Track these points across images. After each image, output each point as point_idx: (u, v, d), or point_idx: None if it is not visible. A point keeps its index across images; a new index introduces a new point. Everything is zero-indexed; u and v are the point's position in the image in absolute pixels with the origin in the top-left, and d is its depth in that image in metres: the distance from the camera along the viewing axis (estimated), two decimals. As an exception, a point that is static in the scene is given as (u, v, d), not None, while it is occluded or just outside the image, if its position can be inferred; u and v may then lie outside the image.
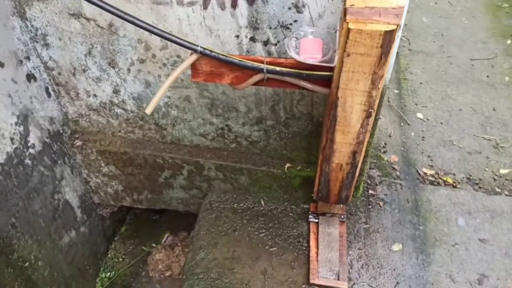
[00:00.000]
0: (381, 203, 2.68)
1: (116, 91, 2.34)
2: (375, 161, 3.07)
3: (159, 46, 2.08)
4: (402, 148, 3.20)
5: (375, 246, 2.44)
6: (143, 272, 3.41)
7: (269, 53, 2.02)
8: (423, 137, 3.29)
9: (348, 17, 1.49)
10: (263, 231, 2.47)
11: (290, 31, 1.92)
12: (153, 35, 2.01)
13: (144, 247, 3.60)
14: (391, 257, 2.39)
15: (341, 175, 2.07)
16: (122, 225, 3.67)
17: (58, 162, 2.47)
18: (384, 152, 3.16)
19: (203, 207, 2.60)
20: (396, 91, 3.73)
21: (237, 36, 1.98)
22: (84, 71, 2.27)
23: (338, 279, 2.21)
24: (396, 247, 2.44)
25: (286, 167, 2.47)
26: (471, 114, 3.49)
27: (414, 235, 2.51)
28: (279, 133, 2.37)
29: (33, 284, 2.27)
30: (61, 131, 2.48)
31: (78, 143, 2.54)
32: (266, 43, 1.98)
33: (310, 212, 2.48)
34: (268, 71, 1.77)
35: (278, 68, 1.77)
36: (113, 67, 2.23)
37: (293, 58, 1.71)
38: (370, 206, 2.65)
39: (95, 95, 2.38)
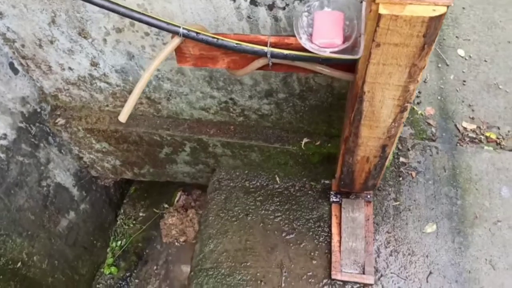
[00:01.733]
0: (414, 173, 2.40)
1: (94, 64, 2.03)
2: (407, 115, 2.73)
3: (137, 14, 1.71)
4: (439, 97, 2.83)
5: (405, 228, 2.23)
6: (157, 237, 3.35)
7: (276, 19, 1.64)
8: (464, 81, 2.89)
9: (378, -4, 1.10)
10: (279, 214, 2.28)
11: (301, -8, 1.52)
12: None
13: (156, 209, 3.49)
14: (423, 241, 2.19)
15: (368, 167, 1.79)
16: (131, 186, 3.54)
17: (40, 145, 2.26)
18: (418, 103, 2.80)
19: (211, 186, 2.40)
20: (434, 21, 3.23)
21: (234, 0, 1.59)
22: (51, 42, 1.95)
23: (364, 273, 2.05)
24: (430, 228, 2.22)
25: (303, 143, 2.18)
26: (521, 47, 3.03)
27: (451, 212, 2.27)
28: (293, 106, 2.06)
29: (31, 281, 2.20)
30: (38, 110, 2.23)
31: (61, 121, 2.29)
32: (271, 7, 1.60)
33: (331, 192, 2.24)
34: (273, 55, 1.43)
35: (285, 52, 1.42)
36: (85, 37, 1.89)
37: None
38: (400, 178, 2.39)
39: (70, 68, 2.08)
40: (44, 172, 2.30)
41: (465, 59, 3.02)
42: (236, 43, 1.42)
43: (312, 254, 2.15)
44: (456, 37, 3.14)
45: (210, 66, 1.55)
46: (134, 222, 3.38)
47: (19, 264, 2.15)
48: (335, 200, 2.23)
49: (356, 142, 1.63)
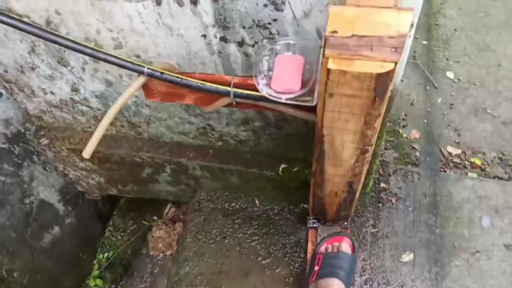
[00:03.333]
0: (394, 200, 2.42)
1: (74, 89, 2.07)
2: (392, 139, 2.74)
3: (112, 45, 1.75)
4: (425, 120, 2.83)
5: (382, 256, 2.24)
6: (144, 250, 3.39)
7: (247, 55, 1.66)
8: (452, 104, 2.89)
9: (328, 51, 1.13)
10: (256, 238, 2.30)
11: (269, 31, 1.54)
12: (101, 33, 1.70)
13: (145, 221, 3.54)
14: (399, 270, 2.20)
15: (337, 200, 1.81)
16: (121, 197, 3.58)
17: (24, 164, 2.31)
18: (404, 126, 2.81)
19: (191, 207, 2.44)
20: (425, 42, 3.24)
21: (204, 36, 1.62)
22: (32, 69, 1.99)
23: (336, 302, 2.06)
24: (407, 257, 2.23)
25: (280, 168, 2.20)
26: (511, 70, 3.01)
27: (429, 241, 2.27)
28: (270, 134, 2.08)
29: (10, 297, 2.25)
30: (22, 131, 2.28)
31: (45, 141, 2.34)
32: (241, 44, 1.62)
33: (308, 217, 2.26)
34: (236, 95, 1.46)
35: (247, 92, 1.44)
36: (65, 66, 1.93)
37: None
38: (380, 204, 2.40)
39: (52, 93, 2.12)
40: (27, 190, 2.35)
41: (454, 81, 3.01)
42: (200, 83, 1.45)
43: (286, 280, 2.17)
44: (446, 59, 3.14)
45: (178, 101, 1.59)
46: (122, 234, 3.43)
47: (-3, 280, 2.21)
48: (312, 225, 2.25)
49: (323, 177, 1.65)
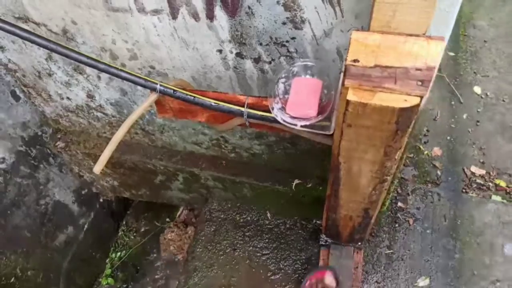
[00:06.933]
0: (411, 220, 2.29)
1: (90, 96, 2.02)
2: (412, 155, 2.61)
3: (127, 56, 1.69)
4: (448, 137, 2.68)
5: (396, 279, 2.13)
6: (156, 251, 3.34)
7: (263, 71, 1.58)
8: (478, 121, 2.72)
9: (348, 81, 1.03)
10: (267, 252, 2.22)
11: (287, 49, 1.45)
12: (117, 44, 1.64)
13: (158, 222, 3.49)
14: (414, 296, 2.08)
15: (351, 224, 1.71)
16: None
17: (40, 166, 2.28)
18: (425, 142, 2.67)
19: (202, 216, 2.37)
20: (452, 54, 3.07)
21: (220, 51, 1.54)
22: (50, 75, 1.95)
23: (346, 325, 1.96)
24: (422, 282, 2.11)
25: (294, 184, 2.11)
26: (542, 87, 2.83)
27: (447, 266, 2.15)
28: (284, 149, 1.99)
29: (23, 294, 2.23)
30: (39, 133, 2.25)
31: (61, 144, 2.30)
32: (257, 60, 1.53)
33: (321, 235, 2.16)
34: (250, 116, 1.37)
35: (261, 113, 1.35)
36: (81, 73, 1.88)
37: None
38: (397, 225, 2.28)
39: (68, 98, 2.08)
40: (43, 191, 2.33)
41: (481, 97, 2.85)
42: (214, 103, 1.37)
43: (296, 298, 2.09)
44: (474, 72, 2.97)
45: (190, 119, 1.51)
46: (135, 234, 3.40)
47: (12, 279, 2.19)
48: (324, 243, 2.15)
49: (337, 202, 1.56)
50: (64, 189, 2.50)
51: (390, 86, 1.01)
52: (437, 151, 2.62)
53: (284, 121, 1.22)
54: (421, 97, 1.00)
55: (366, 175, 1.34)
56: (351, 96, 1.03)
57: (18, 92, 2.07)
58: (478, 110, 2.79)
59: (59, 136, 2.31)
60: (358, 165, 1.29)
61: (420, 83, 0.99)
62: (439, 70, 3.01)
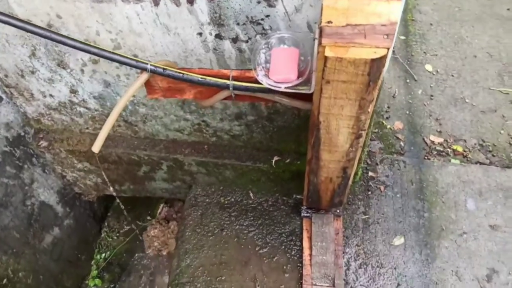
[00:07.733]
0: (382, 187, 2.49)
1: (73, 91, 2.08)
2: (376, 130, 2.82)
3: (110, 46, 1.78)
4: (407, 112, 2.91)
5: (374, 241, 2.30)
6: (140, 249, 3.39)
7: (241, 51, 1.71)
8: (432, 96, 2.98)
9: (324, 40, 1.18)
10: (253, 229, 2.34)
11: (262, 27, 1.59)
12: (101, 35, 1.73)
13: (139, 221, 3.54)
14: (391, 254, 2.26)
15: (332, 186, 1.87)
16: (115, 199, 3.58)
17: (24, 166, 2.31)
18: (387, 118, 2.88)
19: (188, 202, 2.46)
20: (403, 37, 3.33)
21: (200, 34, 1.66)
22: (32, 72, 2.00)
23: (334, 286, 2.12)
24: (398, 240, 2.30)
25: (273, 161, 2.25)
26: (487, 61, 3.13)
27: (418, 225, 2.35)
28: (262, 127, 2.13)
29: (16, 297, 2.24)
30: (22, 134, 2.28)
31: (44, 143, 2.34)
32: (235, 40, 1.67)
33: (302, 207, 2.31)
34: (235, 88, 1.50)
35: (246, 84, 1.49)
36: (64, 68, 1.95)
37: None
38: (369, 192, 2.47)
39: (51, 95, 2.13)
40: (29, 191, 2.35)
41: (433, 74, 3.11)
42: (201, 78, 1.49)
43: (284, 267, 2.21)
44: (424, 52, 3.23)
45: (178, 97, 1.62)
46: (118, 234, 3.43)
47: (5, 280, 2.20)
48: (305, 214, 2.29)
49: (318, 164, 1.70)
50: (48, 189, 2.53)
51: (361, 41, 1.17)
52: (398, 124, 2.85)
53: (270, 85, 1.36)
54: (388, 49, 1.17)
55: (343, 132, 1.49)
56: (328, 52, 1.18)
57: (0, 93, 2.11)
58: (431, 85, 3.04)
59: (41, 136, 2.35)
60: (336, 122, 1.44)
61: (386, 36, 1.16)
62: (393, 52, 3.25)
